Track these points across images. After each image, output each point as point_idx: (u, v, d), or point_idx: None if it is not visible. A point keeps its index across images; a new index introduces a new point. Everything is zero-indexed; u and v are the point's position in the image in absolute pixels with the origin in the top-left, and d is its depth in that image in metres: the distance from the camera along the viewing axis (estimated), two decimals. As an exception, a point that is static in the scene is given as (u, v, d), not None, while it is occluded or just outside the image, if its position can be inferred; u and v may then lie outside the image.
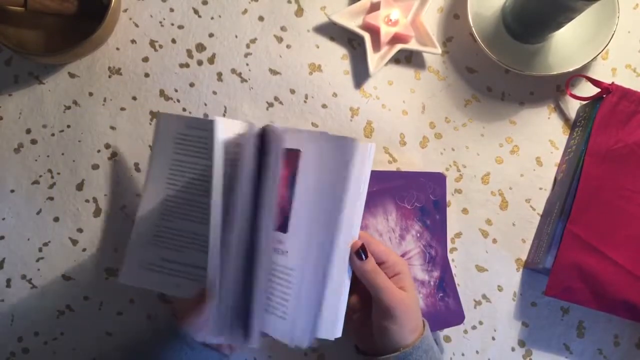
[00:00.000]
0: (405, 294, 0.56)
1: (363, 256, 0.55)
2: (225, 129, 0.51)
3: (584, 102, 0.71)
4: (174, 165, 0.60)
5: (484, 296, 0.70)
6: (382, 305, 0.55)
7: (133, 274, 0.60)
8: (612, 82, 0.67)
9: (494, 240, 0.71)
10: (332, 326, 0.54)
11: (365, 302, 0.59)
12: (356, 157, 0.52)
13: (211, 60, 0.71)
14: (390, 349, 0.55)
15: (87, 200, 0.68)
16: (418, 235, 0.66)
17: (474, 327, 0.70)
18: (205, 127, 0.59)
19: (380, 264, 0.57)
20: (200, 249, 0.59)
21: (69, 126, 0.69)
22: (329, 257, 0.52)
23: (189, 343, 0.54)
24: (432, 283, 0.66)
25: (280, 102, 0.71)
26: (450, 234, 0.70)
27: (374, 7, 0.70)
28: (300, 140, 0.53)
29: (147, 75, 0.70)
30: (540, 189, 0.71)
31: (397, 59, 0.72)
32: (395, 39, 0.70)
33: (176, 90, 0.70)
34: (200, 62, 0.71)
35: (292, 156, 0.53)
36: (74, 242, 0.68)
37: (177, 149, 0.60)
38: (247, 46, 0.71)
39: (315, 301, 0.52)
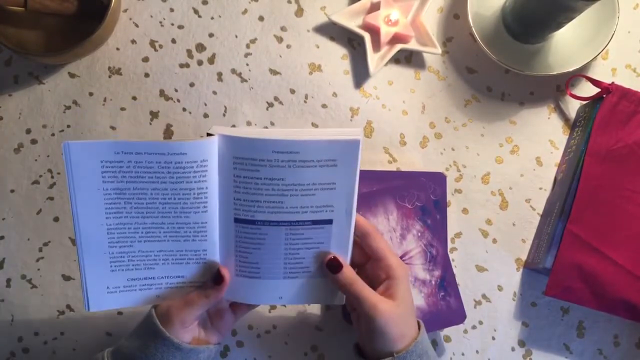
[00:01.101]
0: (391, 303, 0.54)
1: (334, 267, 0.55)
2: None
3: (584, 102, 0.71)
4: (109, 194, 0.54)
5: (484, 296, 0.70)
6: (363, 316, 0.54)
7: (102, 300, 0.57)
8: (612, 82, 0.67)
9: (494, 240, 0.71)
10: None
11: None
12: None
13: (211, 60, 0.71)
14: (382, 354, 0.54)
15: (87, 200, 0.68)
16: (419, 234, 0.66)
17: (474, 327, 0.70)
18: (141, 149, 0.53)
19: (375, 261, 0.56)
20: (175, 261, 0.57)
21: (69, 126, 0.69)
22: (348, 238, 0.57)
23: (177, 345, 0.54)
24: (433, 282, 0.66)
25: (280, 102, 0.71)
26: (450, 233, 0.70)
27: (374, 7, 0.70)
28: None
29: (147, 75, 0.70)
30: (540, 189, 0.71)
31: (397, 59, 0.72)
32: (395, 39, 0.70)
33: (176, 90, 0.70)
34: (200, 62, 0.71)
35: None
36: (74, 242, 0.68)
37: (107, 178, 0.53)
38: (247, 46, 0.71)
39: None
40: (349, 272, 0.55)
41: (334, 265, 0.55)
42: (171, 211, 0.55)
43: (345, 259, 0.56)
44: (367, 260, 0.58)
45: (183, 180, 0.54)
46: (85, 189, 0.53)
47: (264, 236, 0.56)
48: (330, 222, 0.55)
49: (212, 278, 0.56)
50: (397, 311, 0.54)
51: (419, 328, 0.57)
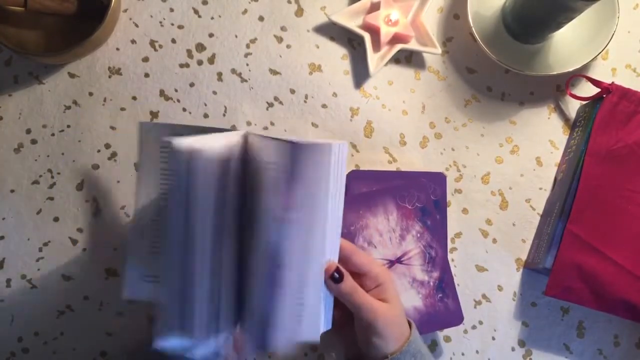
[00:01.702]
0: (386, 305, 0.55)
1: (338, 278, 0.54)
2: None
3: (584, 102, 0.71)
4: (164, 175, 0.56)
5: (484, 296, 0.70)
6: (363, 321, 0.54)
7: (137, 287, 0.57)
8: (612, 82, 0.67)
9: (494, 240, 0.71)
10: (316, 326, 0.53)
11: (349, 314, 0.57)
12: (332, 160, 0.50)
13: (211, 60, 0.71)
14: (378, 358, 0.55)
15: (87, 200, 0.68)
16: (418, 235, 0.66)
17: (474, 327, 0.70)
18: (191, 133, 0.53)
19: (362, 275, 0.56)
20: None
21: (69, 126, 0.69)
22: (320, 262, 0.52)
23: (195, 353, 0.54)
24: (431, 283, 0.66)
25: (280, 102, 0.71)
26: (450, 234, 0.70)
27: (374, 7, 0.70)
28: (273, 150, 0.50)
29: (147, 75, 0.70)
30: (540, 189, 0.71)
31: (397, 59, 0.72)
32: (395, 39, 0.70)
33: (176, 90, 0.70)
34: (200, 62, 0.71)
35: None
36: (74, 242, 0.68)
37: (164, 158, 0.56)
38: (247, 46, 0.71)
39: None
40: (350, 282, 0.55)
41: (337, 276, 0.54)
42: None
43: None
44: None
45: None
46: (149, 170, 0.56)
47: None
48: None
49: None
50: (393, 313, 0.55)
51: (410, 328, 0.57)
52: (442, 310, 0.66)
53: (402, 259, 0.66)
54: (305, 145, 0.47)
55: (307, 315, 0.52)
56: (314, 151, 0.48)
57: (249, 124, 0.70)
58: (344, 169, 0.52)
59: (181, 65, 0.70)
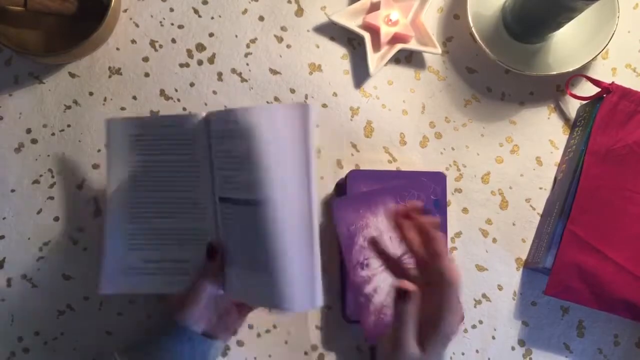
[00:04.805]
0: (421, 356, 0.48)
1: (405, 295, 0.48)
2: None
3: (584, 102, 0.71)
4: (134, 167, 0.60)
5: (484, 295, 0.70)
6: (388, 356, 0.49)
7: (114, 281, 0.60)
8: (612, 82, 0.68)
9: (494, 240, 0.71)
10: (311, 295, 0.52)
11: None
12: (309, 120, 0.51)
13: (211, 60, 0.71)
14: None
15: (87, 200, 0.68)
16: (418, 234, 0.66)
17: (474, 327, 0.70)
18: (160, 123, 0.60)
19: (430, 281, 0.50)
20: (179, 242, 0.59)
21: (69, 126, 0.69)
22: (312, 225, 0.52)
23: (188, 334, 0.55)
24: (432, 283, 0.66)
25: (280, 102, 0.71)
26: (450, 233, 0.70)
27: (374, 7, 0.70)
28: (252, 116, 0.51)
29: (147, 75, 0.70)
30: (540, 188, 0.72)
31: (397, 59, 0.72)
32: (395, 39, 0.70)
33: (176, 90, 0.70)
34: (200, 62, 0.71)
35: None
36: (74, 242, 0.68)
37: (135, 151, 0.60)
38: (247, 46, 0.71)
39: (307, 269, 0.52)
40: (414, 308, 0.48)
41: (404, 294, 0.48)
42: (173, 183, 0.59)
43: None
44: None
45: (173, 152, 0.59)
46: (119, 163, 0.60)
47: (233, 217, 0.55)
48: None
49: (206, 253, 0.57)
50: None
51: None
52: (442, 309, 0.66)
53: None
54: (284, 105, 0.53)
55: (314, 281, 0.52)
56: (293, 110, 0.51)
57: (249, 123, 0.70)
58: (314, 130, 0.51)
59: (181, 65, 0.70)
